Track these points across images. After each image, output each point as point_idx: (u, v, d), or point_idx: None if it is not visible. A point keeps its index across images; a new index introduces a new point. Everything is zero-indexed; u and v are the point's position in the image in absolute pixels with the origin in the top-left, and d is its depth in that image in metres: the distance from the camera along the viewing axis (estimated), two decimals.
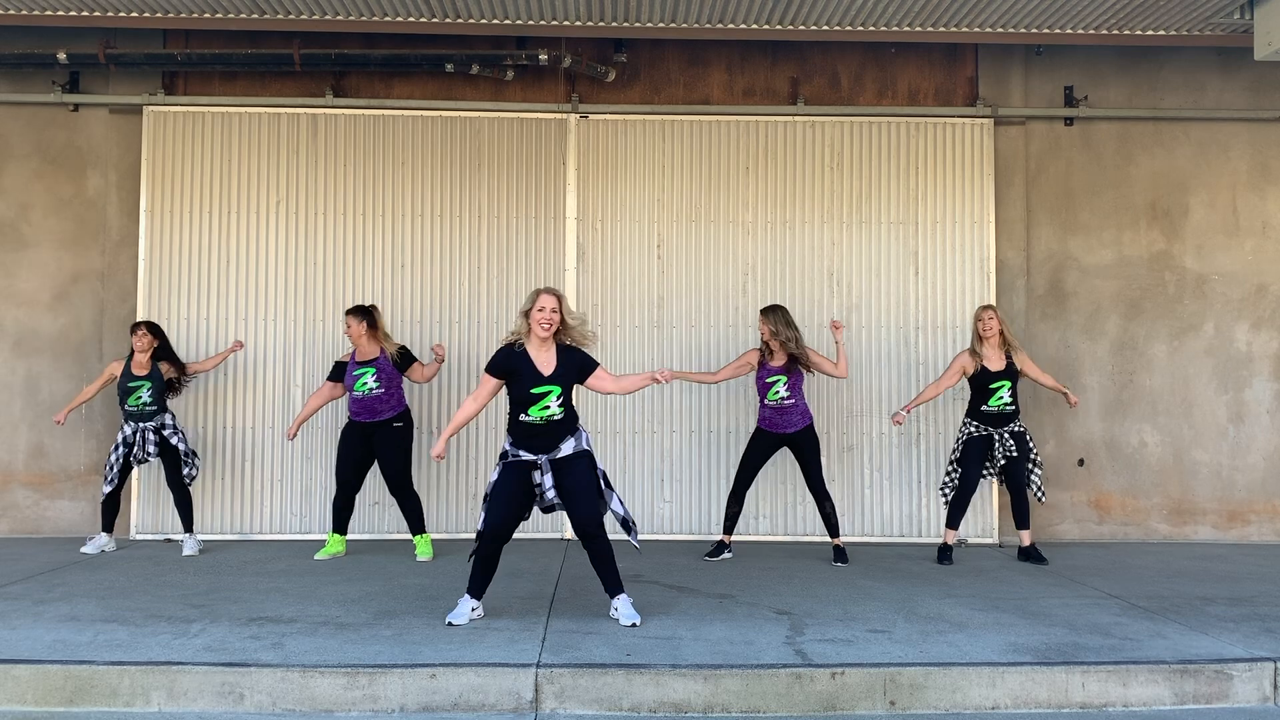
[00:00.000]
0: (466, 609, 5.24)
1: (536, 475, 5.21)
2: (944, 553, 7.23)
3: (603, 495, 5.28)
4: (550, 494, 5.19)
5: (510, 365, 5.22)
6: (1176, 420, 8.40)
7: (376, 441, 7.15)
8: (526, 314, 5.25)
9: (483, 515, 5.23)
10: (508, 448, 5.26)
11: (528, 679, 4.44)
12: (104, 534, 7.35)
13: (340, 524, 7.24)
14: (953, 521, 7.28)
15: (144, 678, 4.42)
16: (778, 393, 7.07)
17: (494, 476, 5.26)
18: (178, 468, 7.31)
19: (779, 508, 8.15)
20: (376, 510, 8.04)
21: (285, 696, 4.41)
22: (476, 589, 5.28)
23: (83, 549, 7.27)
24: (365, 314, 7.21)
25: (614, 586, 5.32)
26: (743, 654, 4.70)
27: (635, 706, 4.43)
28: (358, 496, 7.35)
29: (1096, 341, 8.42)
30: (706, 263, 8.32)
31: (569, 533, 8.11)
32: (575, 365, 5.30)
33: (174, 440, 7.27)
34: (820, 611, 5.60)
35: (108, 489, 7.28)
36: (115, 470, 7.26)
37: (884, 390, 8.27)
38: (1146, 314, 8.44)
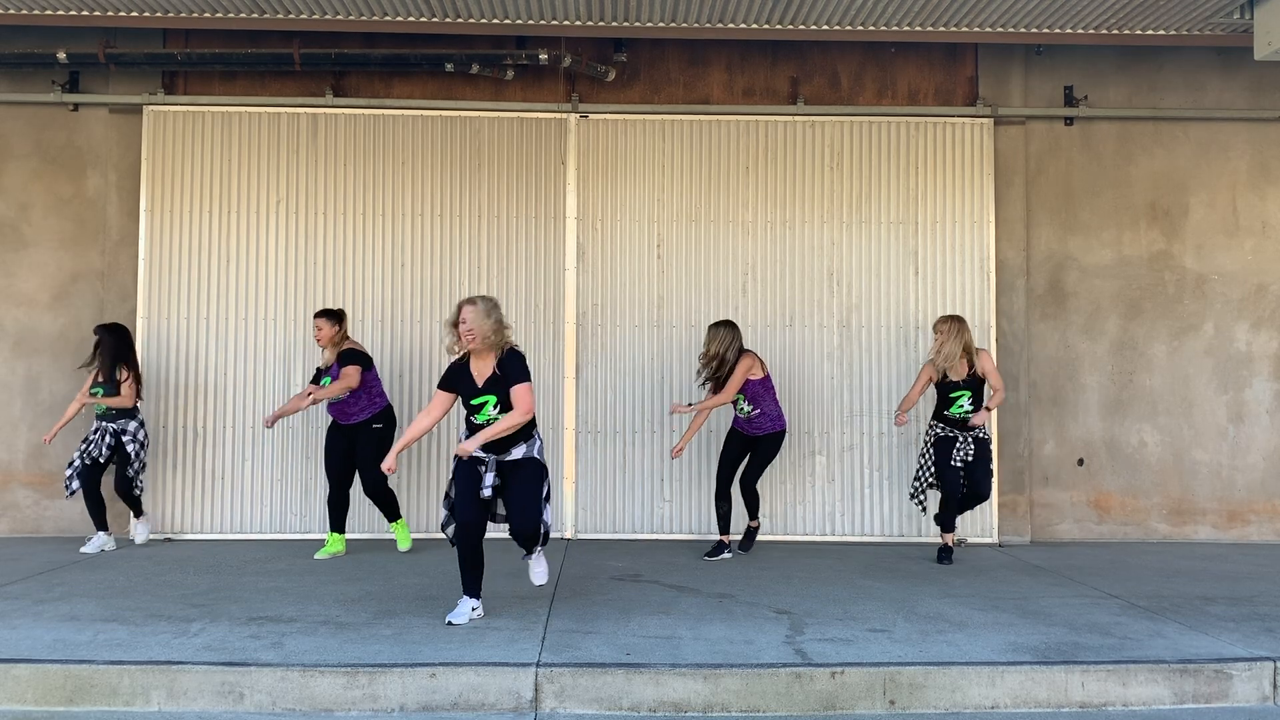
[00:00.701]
0: (467, 608, 5.25)
1: (480, 468, 5.23)
2: (944, 553, 7.24)
3: (540, 506, 5.27)
4: (486, 491, 5.17)
5: (454, 379, 5.34)
6: (1176, 420, 8.40)
7: (357, 442, 7.20)
8: (454, 326, 5.28)
9: (445, 514, 5.33)
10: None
11: (528, 678, 4.44)
12: (101, 533, 7.36)
13: (338, 522, 7.26)
14: (947, 524, 7.31)
15: (144, 677, 4.42)
16: (743, 408, 7.26)
17: (452, 475, 5.36)
18: (124, 469, 7.35)
19: (779, 508, 8.14)
20: (376, 510, 8.02)
21: (285, 696, 4.41)
22: (471, 587, 5.30)
23: (82, 549, 7.28)
24: (329, 316, 7.26)
25: (474, 587, 5.31)
26: (743, 653, 4.70)
27: (635, 706, 4.43)
28: (358, 496, 7.35)
29: (1096, 341, 8.43)
30: (706, 263, 8.32)
31: (569, 532, 8.12)
32: (504, 377, 5.25)
33: (127, 444, 7.34)
34: (820, 611, 5.60)
35: (74, 486, 7.28)
36: (75, 468, 7.30)
37: (884, 390, 8.27)
38: (1146, 314, 8.44)
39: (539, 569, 5.55)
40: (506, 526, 5.37)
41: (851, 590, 6.21)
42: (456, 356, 5.40)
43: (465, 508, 5.21)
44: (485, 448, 5.25)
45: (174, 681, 4.41)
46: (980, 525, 8.16)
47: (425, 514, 8.05)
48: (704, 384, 7.37)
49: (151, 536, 7.92)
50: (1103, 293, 8.44)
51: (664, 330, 8.28)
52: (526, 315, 8.25)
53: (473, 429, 5.31)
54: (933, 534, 8.11)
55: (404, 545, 7.37)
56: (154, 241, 8.18)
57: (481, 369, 5.29)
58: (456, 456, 5.30)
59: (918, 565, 7.11)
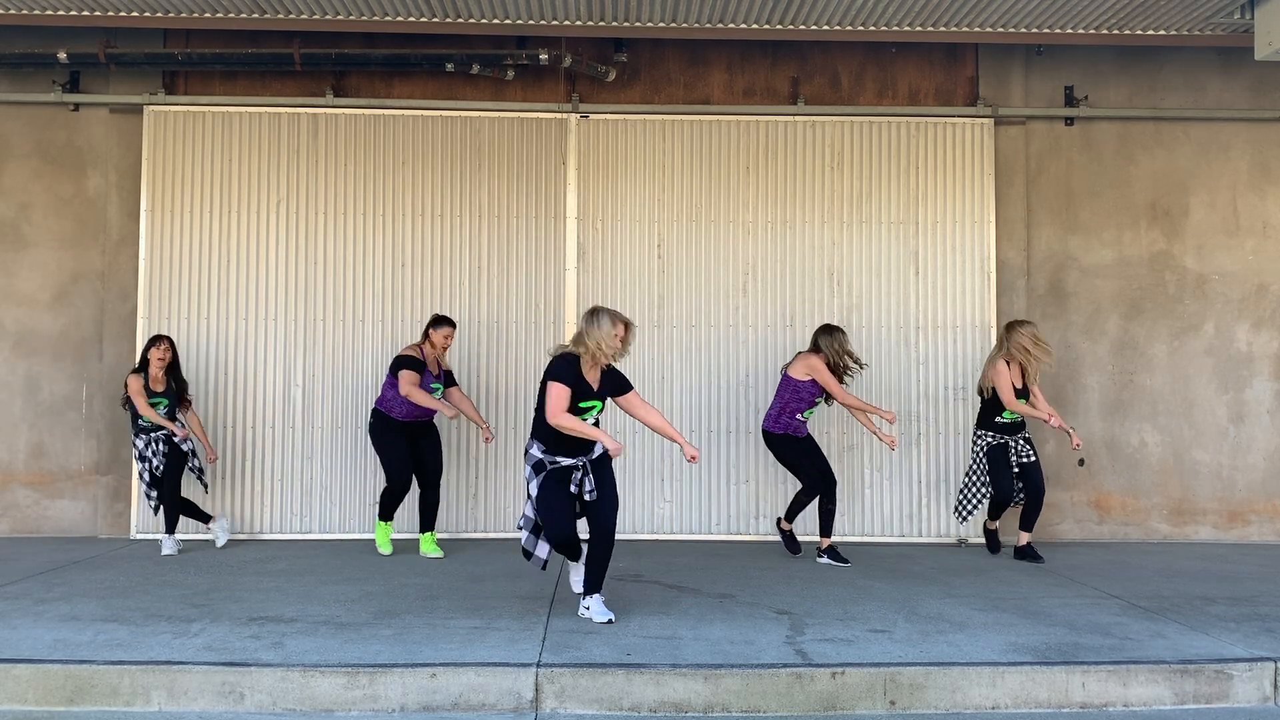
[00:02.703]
0: (601, 605, 5.32)
1: (577, 476, 5.27)
2: (1026, 553, 7.32)
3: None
4: (591, 494, 5.27)
5: (578, 380, 5.30)
6: (1177, 420, 8.40)
7: (426, 438, 7.28)
8: (589, 340, 5.26)
9: (544, 532, 5.31)
10: (541, 456, 5.27)
11: (528, 679, 4.44)
12: (215, 520, 7.49)
13: (429, 521, 7.35)
14: (994, 514, 7.46)
15: (144, 677, 4.42)
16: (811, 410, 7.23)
17: (535, 491, 5.28)
18: (177, 471, 7.34)
19: (779, 508, 8.14)
20: (376, 510, 8.02)
21: (285, 696, 4.41)
22: (596, 586, 5.36)
23: (164, 552, 7.24)
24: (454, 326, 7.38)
25: (595, 586, 5.37)
26: (743, 654, 4.70)
27: (635, 706, 4.43)
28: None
29: (1097, 341, 8.42)
30: (707, 262, 8.32)
31: None
32: (613, 385, 5.44)
33: (183, 446, 7.34)
34: (820, 611, 5.60)
35: (152, 504, 7.35)
36: (146, 483, 7.31)
37: (884, 390, 8.26)
38: (1147, 314, 8.44)
39: (598, 608, 5.37)
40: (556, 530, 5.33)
41: (852, 590, 6.21)
42: (569, 355, 5.31)
43: (564, 523, 5.23)
44: (574, 453, 5.27)
45: (174, 681, 4.40)
46: (981, 525, 8.14)
47: (442, 515, 8.04)
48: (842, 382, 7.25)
49: (151, 537, 7.93)
50: (1103, 293, 8.44)
51: (664, 330, 8.28)
52: (527, 315, 8.25)
53: (554, 437, 5.23)
54: (933, 534, 8.12)
55: (436, 553, 7.28)
56: (154, 241, 8.18)
57: (593, 378, 5.33)
58: (537, 469, 5.26)
59: (918, 565, 7.11)
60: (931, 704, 4.50)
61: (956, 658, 4.68)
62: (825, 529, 7.21)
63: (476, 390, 8.17)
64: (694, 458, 5.33)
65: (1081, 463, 8.23)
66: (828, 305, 8.30)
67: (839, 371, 7.18)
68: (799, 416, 7.14)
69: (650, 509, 8.18)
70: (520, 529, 5.42)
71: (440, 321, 7.27)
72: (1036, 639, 5.04)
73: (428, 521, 7.33)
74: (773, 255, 8.34)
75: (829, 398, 7.18)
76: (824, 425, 8.20)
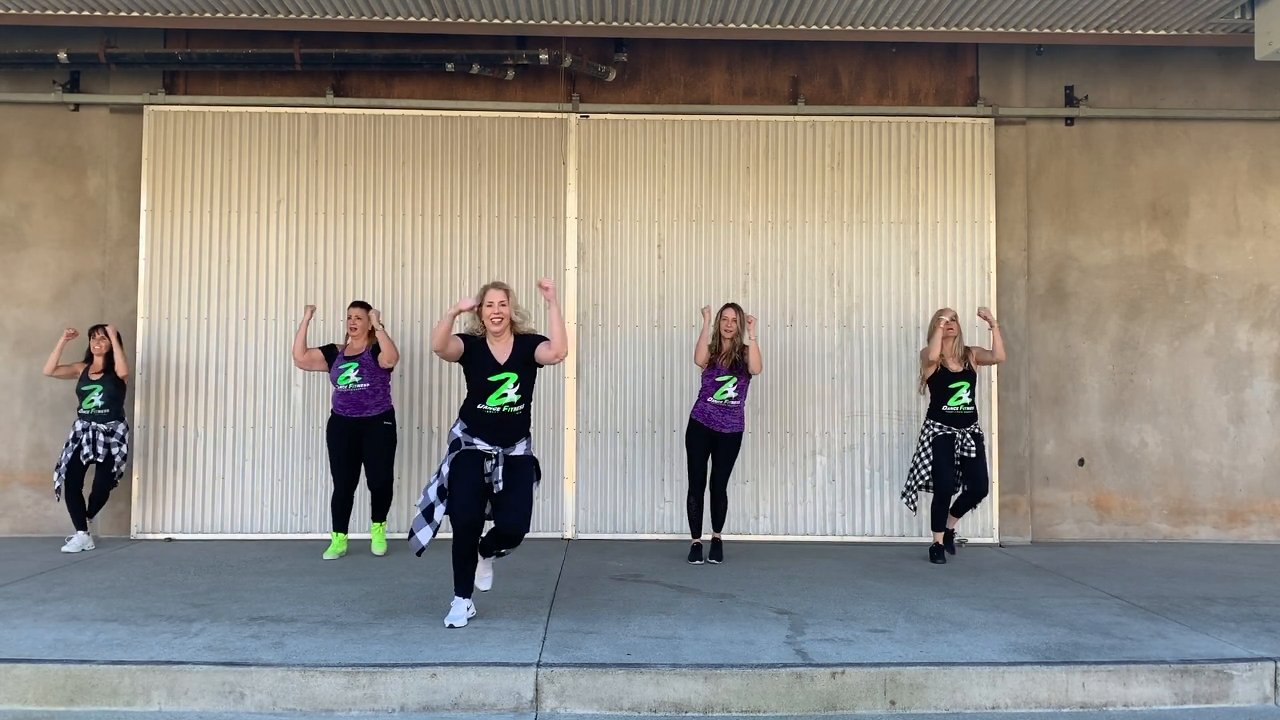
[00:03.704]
0: (463, 609, 5.20)
1: (489, 465, 5.14)
2: (936, 552, 7.26)
3: (531, 507, 5.27)
4: (499, 485, 5.11)
5: (473, 348, 5.23)
6: (1177, 420, 8.40)
7: (367, 437, 7.19)
8: (478, 310, 5.27)
9: (440, 511, 5.10)
10: (460, 435, 5.18)
11: (528, 678, 4.44)
12: (80, 533, 7.35)
13: (342, 522, 7.26)
14: (938, 524, 7.33)
15: (144, 677, 4.42)
16: (729, 394, 7.12)
17: (446, 468, 5.13)
18: (107, 475, 7.41)
19: (779, 507, 8.15)
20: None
21: (286, 696, 4.41)
22: (465, 587, 5.21)
23: (63, 549, 7.27)
24: (368, 308, 7.29)
25: (467, 589, 5.21)
26: (743, 654, 4.70)
27: (635, 706, 4.43)
28: (358, 496, 7.36)
29: (1097, 341, 8.42)
30: (707, 262, 8.32)
31: (569, 532, 8.12)
32: (529, 344, 5.31)
33: (115, 452, 7.38)
34: (820, 611, 5.60)
35: (58, 484, 7.30)
36: (64, 467, 7.31)
37: (884, 390, 8.26)
38: (1147, 314, 8.44)
39: (489, 575, 5.44)
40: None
41: (852, 590, 6.20)
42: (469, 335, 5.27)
43: (469, 505, 5.05)
44: (492, 440, 5.14)
45: (174, 681, 4.40)
46: (981, 525, 8.16)
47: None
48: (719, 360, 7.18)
49: (152, 537, 7.94)
50: (1103, 293, 8.44)
51: (665, 330, 8.28)
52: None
53: (475, 418, 5.16)
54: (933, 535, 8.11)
55: (379, 549, 7.30)
56: (154, 241, 8.18)
57: (500, 349, 5.26)
58: (454, 446, 5.14)
59: (918, 565, 7.11)
60: (931, 704, 4.50)
61: (956, 658, 4.68)
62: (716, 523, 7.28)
63: None
64: (543, 284, 5.30)
65: (1081, 462, 8.23)
66: (828, 305, 8.30)
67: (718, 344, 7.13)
68: (709, 400, 7.12)
69: (650, 509, 8.18)
70: (417, 508, 5.24)
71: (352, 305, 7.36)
72: (1036, 639, 5.04)
73: (375, 512, 7.34)
74: (773, 255, 8.33)
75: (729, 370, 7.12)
76: (824, 425, 8.20)
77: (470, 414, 5.21)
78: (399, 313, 8.20)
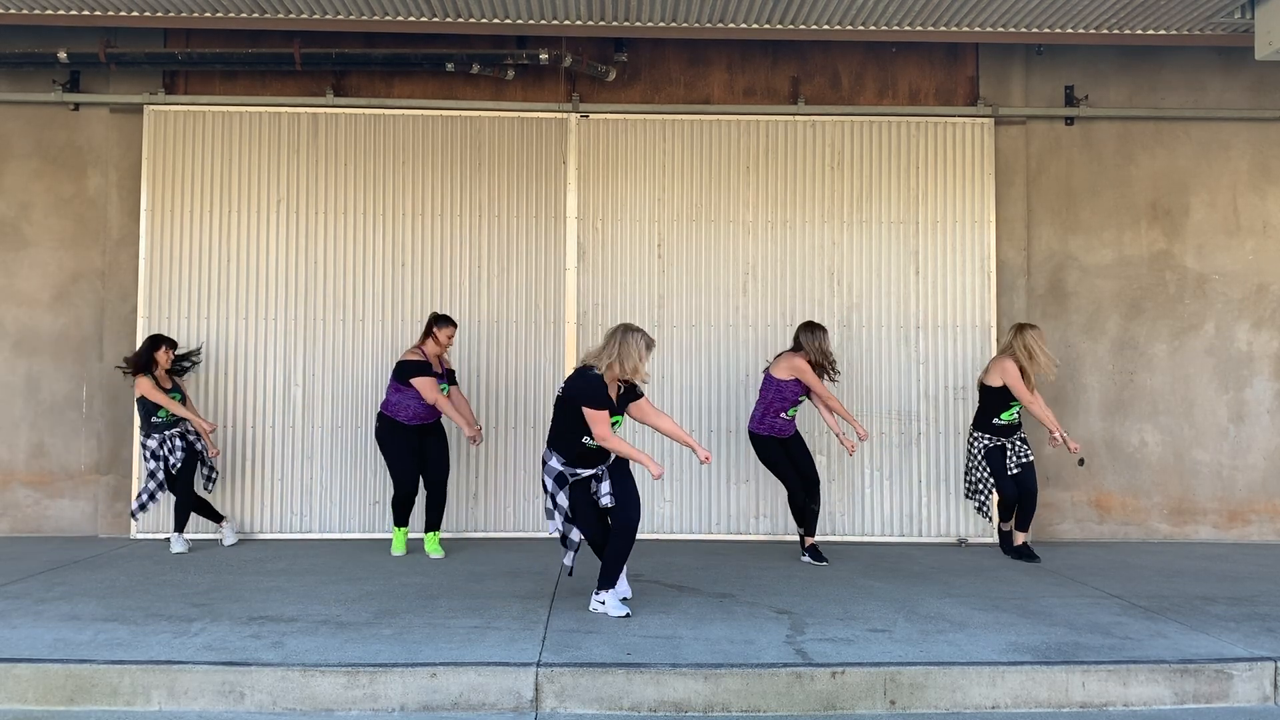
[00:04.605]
0: (616, 600, 5.47)
1: (593, 484, 5.52)
2: (1024, 553, 7.34)
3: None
4: (607, 500, 5.45)
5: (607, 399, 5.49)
6: (1177, 420, 8.40)
7: (432, 440, 7.26)
8: (624, 363, 5.41)
9: (575, 532, 5.51)
10: (562, 469, 5.48)
11: (528, 678, 4.44)
12: (225, 523, 7.62)
13: (406, 518, 7.34)
14: (1023, 524, 7.43)
15: (144, 677, 4.42)
16: (791, 411, 7.15)
17: (565, 502, 5.49)
18: (192, 470, 7.43)
19: (779, 508, 8.14)
20: (376, 509, 8.05)
21: (286, 696, 4.41)
22: (610, 581, 5.49)
23: (225, 542, 7.55)
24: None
25: (610, 581, 5.50)
26: (743, 653, 4.70)
27: (635, 706, 4.43)
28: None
29: (1097, 341, 8.42)
30: (707, 262, 8.32)
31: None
32: (628, 392, 5.61)
33: (197, 445, 7.45)
34: (820, 611, 5.60)
35: (153, 505, 7.41)
36: (157, 483, 7.35)
37: (884, 390, 8.26)
38: (1147, 314, 8.44)
39: (614, 604, 5.55)
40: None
41: (852, 590, 6.21)
42: (596, 373, 5.43)
43: (597, 527, 5.53)
44: (592, 462, 5.48)
45: (174, 681, 4.41)
46: (981, 525, 8.16)
47: (455, 516, 8.05)
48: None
49: (152, 537, 7.94)
50: (1103, 292, 8.44)
51: (665, 330, 8.28)
52: (527, 315, 8.25)
53: (579, 450, 5.43)
54: (933, 534, 8.12)
55: (437, 553, 7.28)
56: (155, 241, 8.18)
57: (613, 391, 5.48)
58: (560, 482, 5.49)
59: (918, 565, 7.11)
60: (931, 703, 4.50)
61: (956, 657, 4.68)
62: (809, 528, 7.21)
63: (476, 389, 8.18)
64: (707, 459, 5.51)
65: (1081, 462, 8.23)
66: (828, 305, 8.30)
67: (820, 370, 7.14)
68: (783, 416, 7.12)
69: (650, 509, 8.18)
70: (554, 533, 5.60)
71: (444, 321, 7.25)
72: (1036, 639, 5.04)
73: (433, 521, 7.32)
74: (773, 255, 8.34)
75: (810, 395, 7.14)
76: (824, 425, 8.19)
77: (572, 449, 5.47)
78: (399, 313, 8.20)
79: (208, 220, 8.22)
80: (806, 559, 7.16)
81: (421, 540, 7.49)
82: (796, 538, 7.51)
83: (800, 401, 7.15)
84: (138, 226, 8.18)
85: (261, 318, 8.19)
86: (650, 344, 5.49)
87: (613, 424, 5.43)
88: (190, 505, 7.40)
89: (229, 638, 4.88)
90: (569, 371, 8.17)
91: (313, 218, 8.25)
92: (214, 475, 7.60)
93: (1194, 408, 8.40)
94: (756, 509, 8.18)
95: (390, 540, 7.63)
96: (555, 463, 5.49)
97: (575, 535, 5.50)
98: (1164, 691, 4.59)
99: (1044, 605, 5.81)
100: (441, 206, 8.29)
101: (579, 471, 5.48)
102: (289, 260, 8.23)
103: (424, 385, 7.01)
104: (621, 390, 5.54)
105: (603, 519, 5.59)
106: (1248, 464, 8.39)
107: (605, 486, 5.48)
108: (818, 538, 7.48)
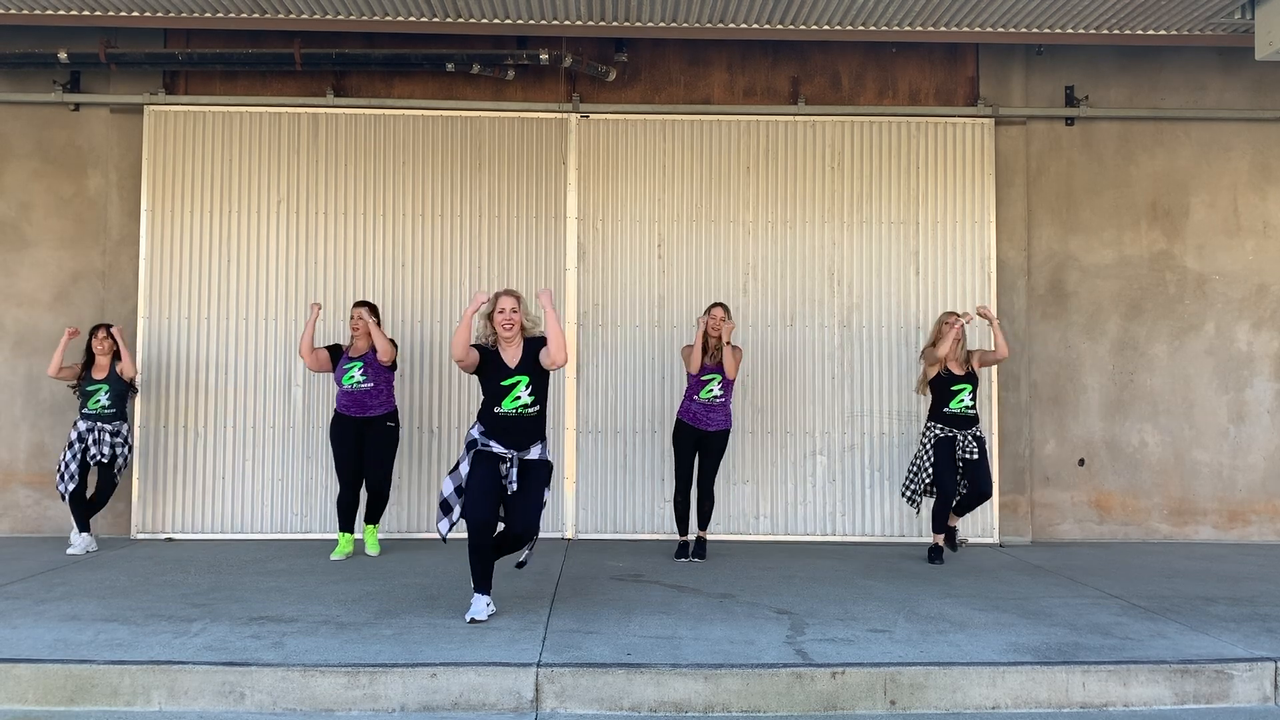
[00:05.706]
0: (483, 605, 5.26)
1: (504, 468, 5.26)
2: (935, 552, 7.26)
3: (541, 510, 5.39)
4: (512, 486, 5.25)
5: (487, 357, 5.36)
6: (1177, 420, 8.40)
7: (368, 437, 7.17)
8: (489, 317, 5.39)
9: (458, 510, 5.25)
10: (477, 437, 5.30)
11: (528, 678, 4.44)
12: (84, 534, 7.29)
13: (348, 522, 7.24)
14: (939, 526, 7.32)
15: (145, 677, 4.42)
16: (714, 391, 7.18)
17: (464, 467, 5.27)
18: (110, 475, 7.37)
19: (779, 507, 8.15)
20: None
21: (286, 696, 4.41)
22: (484, 584, 5.29)
23: (68, 550, 7.24)
24: (372, 308, 7.27)
25: (485, 583, 5.31)
26: (743, 653, 4.70)
27: (636, 706, 4.43)
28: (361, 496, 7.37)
29: (1097, 341, 8.42)
30: (707, 262, 8.32)
31: (570, 532, 8.13)
32: (536, 348, 5.39)
33: (119, 453, 7.34)
34: (820, 611, 5.60)
35: (71, 486, 7.19)
36: (75, 468, 7.23)
37: (884, 390, 8.26)
38: (1147, 314, 8.44)
39: (478, 606, 5.32)
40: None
41: (852, 590, 6.20)
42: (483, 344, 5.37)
43: (482, 504, 5.18)
44: (507, 444, 5.26)
45: (175, 681, 4.41)
46: (981, 525, 8.16)
47: (423, 516, 8.05)
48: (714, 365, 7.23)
49: (152, 537, 7.94)
50: (1103, 293, 8.44)
51: (665, 330, 8.28)
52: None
53: (491, 422, 5.27)
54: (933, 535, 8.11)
55: (373, 550, 7.30)
56: (155, 241, 8.18)
57: (511, 354, 5.36)
58: (469, 446, 5.27)
59: (918, 565, 7.11)
60: (931, 704, 4.50)
61: (956, 658, 4.68)
62: (683, 529, 7.36)
63: (476, 389, 8.15)
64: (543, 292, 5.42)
65: (1081, 462, 8.24)
66: (828, 305, 8.30)
67: (706, 345, 7.17)
68: (695, 398, 7.18)
69: (650, 509, 8.19)
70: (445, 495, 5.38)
71: (357, 305, 7.32)
72: (1036, 639, 5.04)
73: (369, 514, 7.34)
74: (773, 255, 8.33)
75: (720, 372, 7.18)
76: (824, 425, 8.20)
77: (487, 418, 5.33)
78: (399, 313, 8.19)
79: (208, 220, 8.22)
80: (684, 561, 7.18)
81: (409, 540, 7.49)
82: (797, 538, 7.52)
83: (707, 382, 7.13)
84: (138, 226, 8.18)
85: (261, 318, 8.19)
86: (500, 295, 5.38)
87: (513, 385, 5.27)
88: (82, 501, 7.30)
89: (229, 638, 4.88)
90: (570, 372, 8.18)
91: (313, 218, 8.25)
92: (118, 480, 7.46)
93: (1194, 408, 8.40)
94: (756, 509, 8.18)
95: (390, 541, 7.63)
96: (474, 431, 5.34)
97: (456, 512, 5.26)
98: (1164, 692, 4.59)
99: (1044, 605, 5.81)
100: (442, 206, 8.29)
101: (491, 444, 5.26)
102: (289, 260, 8.23)
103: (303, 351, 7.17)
104: (525, 350, 5.36)
105: (495, 508, 5.26)
106: (1248, 464, 8.38)
107: (514, 474, 5.25)
108: (800, 537, 7.50)
